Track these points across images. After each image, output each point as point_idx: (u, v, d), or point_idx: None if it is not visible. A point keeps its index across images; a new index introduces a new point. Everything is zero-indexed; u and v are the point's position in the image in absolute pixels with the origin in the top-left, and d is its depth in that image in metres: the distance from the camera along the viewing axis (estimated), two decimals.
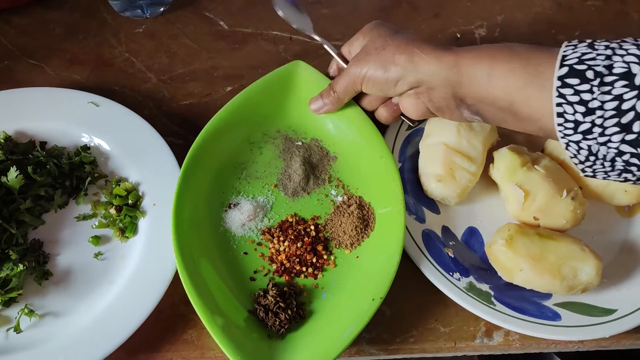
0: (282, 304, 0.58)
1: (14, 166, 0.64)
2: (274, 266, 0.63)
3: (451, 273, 0.62)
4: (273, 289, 0.60)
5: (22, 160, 0.67)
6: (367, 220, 0.65)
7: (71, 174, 0.69)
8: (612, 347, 0.62)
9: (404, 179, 0.69)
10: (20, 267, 0.60)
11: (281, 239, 0.64)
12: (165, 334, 0.60)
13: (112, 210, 0.66)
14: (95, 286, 0.62)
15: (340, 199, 0.68)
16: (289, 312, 0.58)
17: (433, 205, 0.69)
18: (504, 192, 0.66)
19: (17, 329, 0.58)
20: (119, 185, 0.67)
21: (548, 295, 0.61)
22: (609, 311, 0.60)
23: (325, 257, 0.64)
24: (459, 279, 0.61)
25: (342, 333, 0.55)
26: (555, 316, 0.59)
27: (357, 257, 0.64)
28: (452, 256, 0.63)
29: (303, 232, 0.65)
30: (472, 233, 0.67)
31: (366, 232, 0.65)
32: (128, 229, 0.65)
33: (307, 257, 0.63)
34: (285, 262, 0.63)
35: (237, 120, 0.70)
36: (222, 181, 0.68)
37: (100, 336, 0.56)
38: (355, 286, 0.60)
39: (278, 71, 0.73)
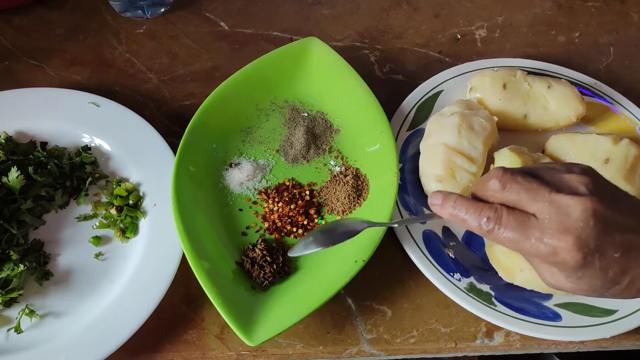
0: (268, 258, 0.60)
1: (15, 166, 0.64)
2: (266, 224, 0.65)
3: (452, 273, 0.62)
4: (262, 243, 0.62)
5: (23, 160, 0.67)
6: (361, 190, 0.67)
7: (72, 174, 0.69)
8: (612, 348, 0.62)
9: (405, 180, 0.69)
10: (21, 267, 0.60)
11: (276, 199, 0.67)
12: (165, 334, 0.60)
13: (113, 211, 0.66)
14: (96, 286, 0.62)
15: (338, 169, 0.70)
16: (274, 266, 0.60)
17: None
18: None
19: (18, 330, 0.58)
20: (120, 185, 0.67)
21: (549, 296, 0.61)
22: (610, 312, 0.60)
23: (316, 220, 0.66)
24: (459, 280, 0.61)
25: (322, 290, 0.57)
26: (556, 317, 0.59)
27: None
28: (453, 257, 0.63)
29: (298, 196, 0.67)
30: (473, 234, 0.67)
31: (358, 201, 0.66)
32: (129, 229, 0.65)
33: (299, 219, 0.65)
34: (277, 221, 0.65)
35: (247, 87, 0.74)
36: (227, 141, 0.72)
37: (101, 336, 0.56)
38: (341, 250, 0.61)
39: (292, 45, 0.77)
